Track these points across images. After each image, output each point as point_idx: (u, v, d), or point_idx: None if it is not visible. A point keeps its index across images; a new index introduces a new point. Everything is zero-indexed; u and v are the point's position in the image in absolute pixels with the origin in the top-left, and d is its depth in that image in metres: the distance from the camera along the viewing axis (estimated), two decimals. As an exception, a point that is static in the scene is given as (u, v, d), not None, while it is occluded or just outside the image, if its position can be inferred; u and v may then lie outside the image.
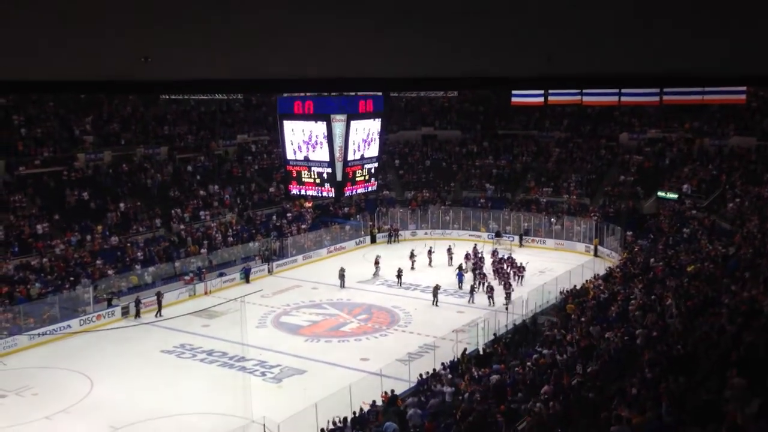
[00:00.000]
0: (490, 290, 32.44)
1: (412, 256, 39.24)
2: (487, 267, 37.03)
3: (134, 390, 23.28)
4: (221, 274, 36.52)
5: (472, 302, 32.26)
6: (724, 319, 15.73)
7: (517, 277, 35.35)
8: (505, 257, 38.21)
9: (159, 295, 31.83)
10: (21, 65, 5.88)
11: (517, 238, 44.88)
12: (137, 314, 31.08)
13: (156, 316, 31.10)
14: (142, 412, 21.57)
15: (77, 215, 36.44)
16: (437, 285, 32.84)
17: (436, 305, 32.00)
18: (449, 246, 40.61)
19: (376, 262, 38.08)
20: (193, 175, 43.86)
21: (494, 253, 39.56)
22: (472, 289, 33.13)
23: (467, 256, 38.21)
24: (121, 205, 38.39)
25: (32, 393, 23.22)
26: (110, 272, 33.40)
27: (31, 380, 24.16)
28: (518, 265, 36.48)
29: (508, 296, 31.25)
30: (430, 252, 39.67)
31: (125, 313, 31.35)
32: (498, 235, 45.15)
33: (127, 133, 43.45)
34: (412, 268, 38.66)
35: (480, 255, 38.39)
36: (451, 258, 39.30)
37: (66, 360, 26.18)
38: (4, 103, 39.13)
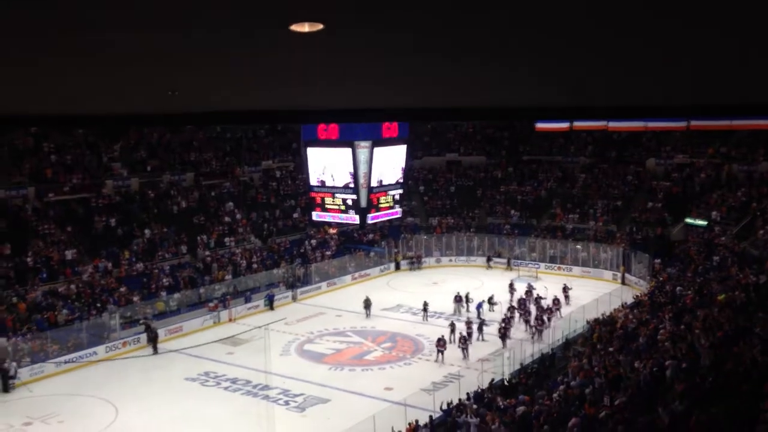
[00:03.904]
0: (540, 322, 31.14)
1: (511, 286, 37.28)
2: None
3: (158, 418, 23.27)
4: (247, 299, 36.60)
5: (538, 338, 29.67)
6: (756, 350, 15.39)
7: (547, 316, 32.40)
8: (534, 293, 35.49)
9: (151, 331, 30.71)
10: (50, 101, 5.94)
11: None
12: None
13: (154, 350, 30.35)
14: (166, 440, 21.56)
15: (104, 241, 36.81)
16: (452, 323, 30.70)
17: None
18: (511, 281, 37.77)
19: (465, 299, 35.12)
20: (218, 201, 44.14)
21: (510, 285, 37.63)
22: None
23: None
24: (147, 231, 38.73)
25: (58, 420, 23.30)
26: (136, 299, 33.63)
27: (56, 407, 24.27)
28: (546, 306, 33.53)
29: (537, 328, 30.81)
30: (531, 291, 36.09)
31: (150, 339, 31.45)
32: (489, 260, 45.07)
33: (154, 159, 43.96)
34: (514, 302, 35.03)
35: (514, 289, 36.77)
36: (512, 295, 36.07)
37: (91, 387, 26.26)
38: (35, 131, 39.79)
